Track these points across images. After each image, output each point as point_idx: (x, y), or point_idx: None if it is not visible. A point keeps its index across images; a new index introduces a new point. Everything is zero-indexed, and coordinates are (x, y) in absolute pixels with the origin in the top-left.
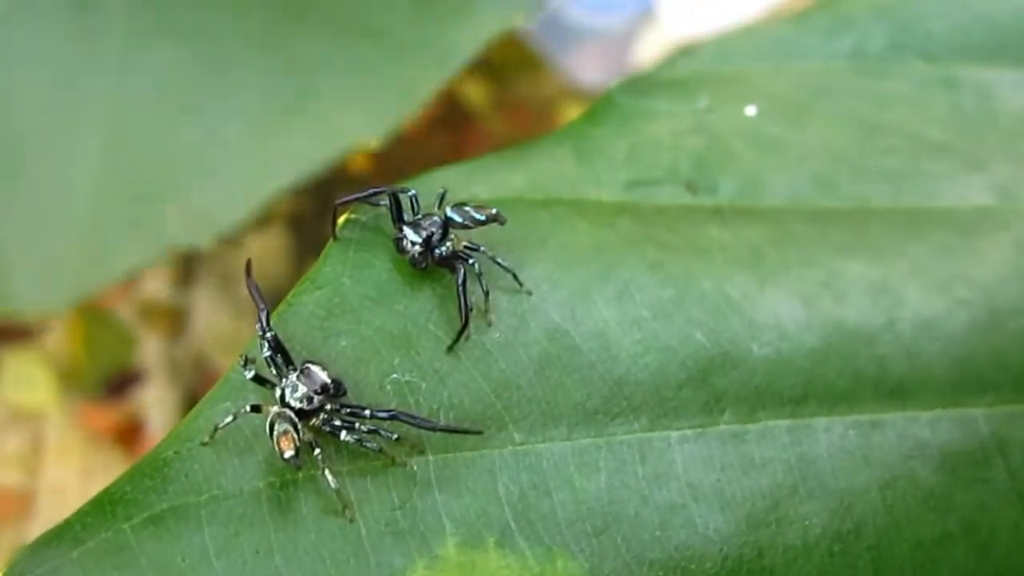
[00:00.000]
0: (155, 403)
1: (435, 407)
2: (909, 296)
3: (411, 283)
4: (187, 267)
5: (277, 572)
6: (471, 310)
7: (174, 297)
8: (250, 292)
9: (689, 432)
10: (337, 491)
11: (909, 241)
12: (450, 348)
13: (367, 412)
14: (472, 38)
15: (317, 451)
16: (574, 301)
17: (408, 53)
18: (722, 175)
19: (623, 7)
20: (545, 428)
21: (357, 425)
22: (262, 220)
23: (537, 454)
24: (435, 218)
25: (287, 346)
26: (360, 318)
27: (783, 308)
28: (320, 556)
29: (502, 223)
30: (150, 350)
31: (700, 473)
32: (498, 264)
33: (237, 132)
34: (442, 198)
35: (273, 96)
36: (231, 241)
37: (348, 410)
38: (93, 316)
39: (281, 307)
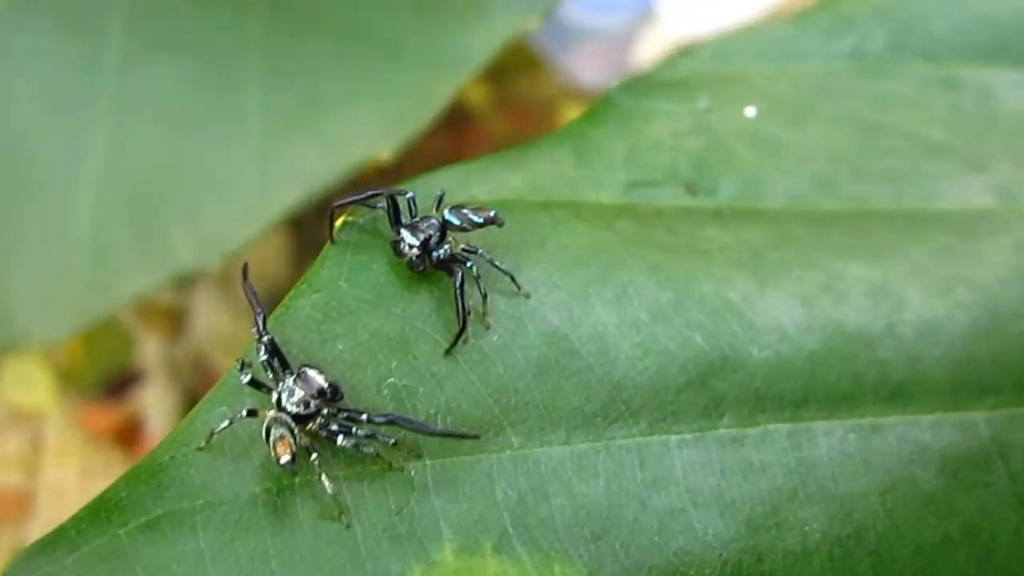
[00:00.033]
0: (155, 403)
1: (433, 411)
2: (910, 298)
3: (408, 286)
4: None
5: None
6: (469, 313)
7: (174, 297)
8: (246, 296)
9: (688, 436)
10: (334, 496)
11: (909, 242)
12: (448, 352)
13: (364, 416)
14: (484, 43)
15: (314, 456)
16: (572, 304)
17: (417, 62)
18: (722, 176)
19: (623, 7)
20: (543, 432)
21: (354, 430)
22: None
23: (535, 458)
24: (433, 220)
25: (284, 350)
26: (357, 321)
27: (783, 310)
28: (316, 562)
29: (500, 225)
30: (150, 350)
31: (699, 477)
32: (496, 267)
33: (242, 149)
34: (440, 200)
35: (278, 111)
36: None
37: (345, 414)
38: None
39: (278, 310)
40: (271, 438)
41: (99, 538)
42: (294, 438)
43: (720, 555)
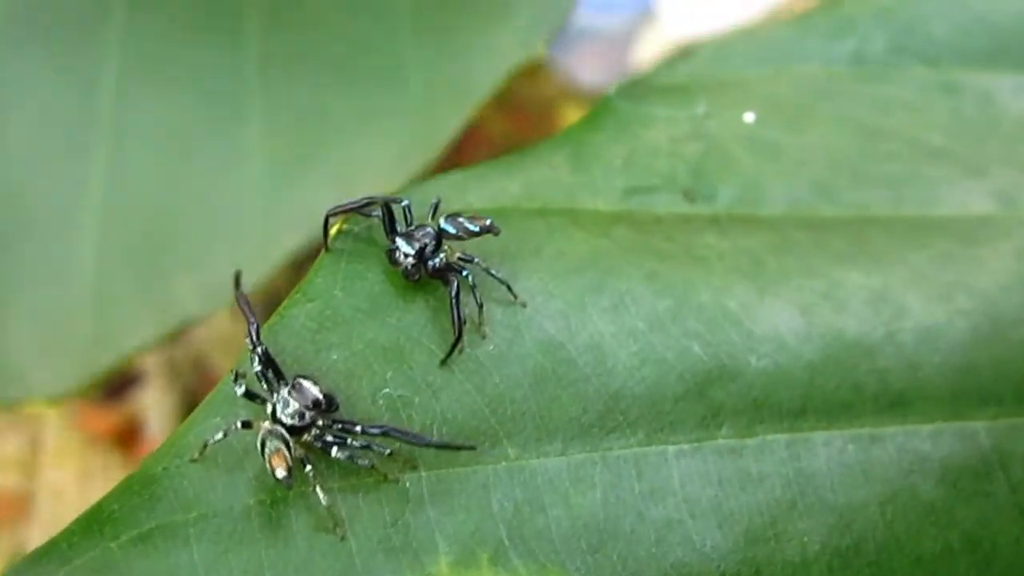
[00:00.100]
0: (154, 405)
1: (428, 422)
2: (910, 306)
3: (404, 295)
4: None
5: None
6: (465, 323)
7: None
8: (239, 305)
9: (686, 446)
10: (328, 508)
11: (909, 249)
12: (443, 362)
13: (359, 427)
14: (493, 68)
15: (308, 467)
16: (569, 313)
17: (422, 90)
18: (720, 182)
19: (623, 7)
20: (540, 443)
21: (349, 441)
22: None
23: (532, 470)
24: (428, 229)
25: (278, 360)
26: (352, 331)
27: (782, 319)
28: (311, 574)
29: (496, 234)
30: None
31: (697, 488)
32: (492, 276)
33: (247, 187)
34: (436, 208)
35: (281, 144)
36: None
37: (340, 425)
38: None
39: (272, 319)
40: (266, 451)
41: (91, 551)
42: (289, 451)
43: (718, 567)
